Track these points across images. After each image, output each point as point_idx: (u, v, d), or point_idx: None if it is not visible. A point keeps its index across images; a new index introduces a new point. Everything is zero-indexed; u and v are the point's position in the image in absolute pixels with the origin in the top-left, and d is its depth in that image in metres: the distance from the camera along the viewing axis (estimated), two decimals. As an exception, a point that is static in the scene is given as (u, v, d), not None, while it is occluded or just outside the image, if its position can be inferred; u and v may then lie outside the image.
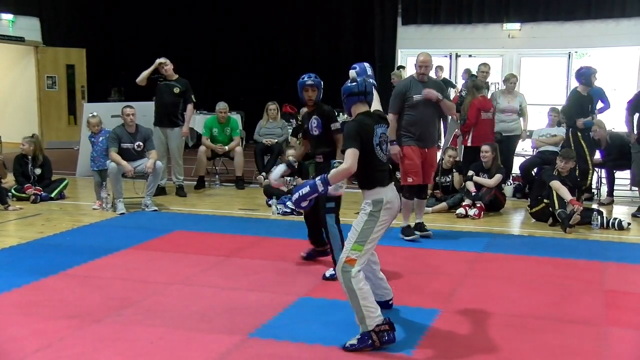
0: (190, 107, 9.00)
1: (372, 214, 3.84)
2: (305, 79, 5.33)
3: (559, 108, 9.60)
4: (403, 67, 14.33)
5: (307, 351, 3.79)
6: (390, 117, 6.61)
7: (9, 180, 8.39)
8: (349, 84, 3.97)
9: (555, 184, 7.21)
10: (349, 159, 3.73)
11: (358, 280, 3.77)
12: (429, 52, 6.58)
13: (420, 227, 6.63)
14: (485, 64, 9.44)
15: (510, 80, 9.14)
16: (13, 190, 8.22)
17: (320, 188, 3.79)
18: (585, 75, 7.68)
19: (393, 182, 4.00)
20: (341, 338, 3.91)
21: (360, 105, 3.94)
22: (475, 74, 9.72)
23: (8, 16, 13.22)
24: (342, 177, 3.89)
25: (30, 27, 13.70)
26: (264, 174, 9.33)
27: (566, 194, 7.13)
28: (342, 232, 4.95)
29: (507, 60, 14.48)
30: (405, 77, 7.19)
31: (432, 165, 6.62)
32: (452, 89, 13.76)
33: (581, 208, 7.03)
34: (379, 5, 14.85)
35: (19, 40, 13.54)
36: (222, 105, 9.64)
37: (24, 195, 8.22)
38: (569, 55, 14.18)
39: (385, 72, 13.53)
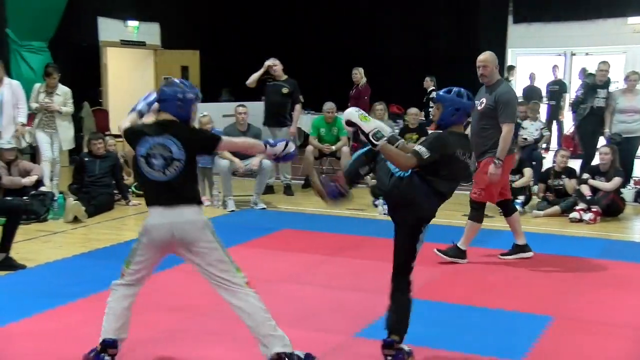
0: (298, 107, 9.16)
1: (139, 235, 3.64)
2: None
3: None
4: (513, 67, 13.90)
5: (413, 353, 3.75)
6: None
7: (130, 177, 8.88)
8: None
9: (683, 189, 6.76)
10: None
11: (112, 293, 3.58)
12: (491, 52, 5.59)
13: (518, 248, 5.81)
14: (604, 62, 8.98)
15: (631, 78, 8.66)
16: (133, 188, 8.66)
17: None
18: None
19: (175, 207, 3.51)
20: (448, 340, 3.84)
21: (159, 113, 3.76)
22: (594, 72, 9.25)
23: (134, 23, 14.05)
24: None
25: (151, 31, 14.47)
26: (370, 174, 9.30)
27: (695, 200, 6.66)
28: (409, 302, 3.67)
29: (630, 58, 13.62)
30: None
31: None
32: (564, 93, 13.19)
33: None
34: (488, 4, 14.39)
35: (140, 44, 14.34)
36: (329, 105, 9.72)
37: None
38: None
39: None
